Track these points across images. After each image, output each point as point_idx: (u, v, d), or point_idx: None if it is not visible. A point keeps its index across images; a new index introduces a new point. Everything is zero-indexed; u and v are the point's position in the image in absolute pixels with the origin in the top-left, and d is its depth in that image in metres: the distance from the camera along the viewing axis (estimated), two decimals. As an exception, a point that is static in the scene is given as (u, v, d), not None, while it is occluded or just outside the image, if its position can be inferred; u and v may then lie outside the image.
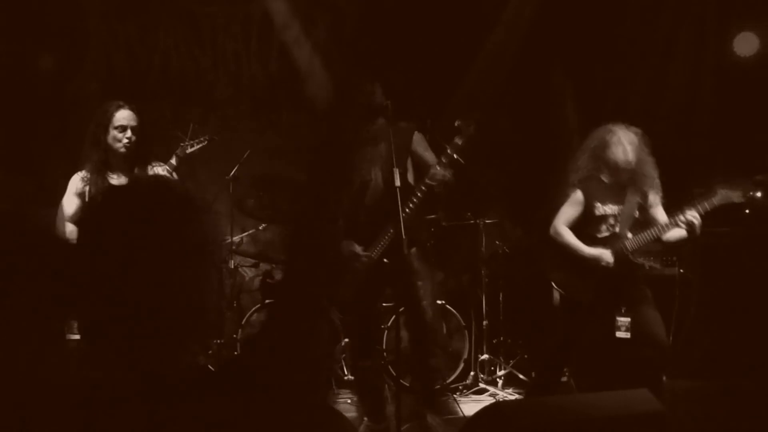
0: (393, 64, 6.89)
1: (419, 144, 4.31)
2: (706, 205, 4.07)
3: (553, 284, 4.41)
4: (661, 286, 4.65)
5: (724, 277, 5.13)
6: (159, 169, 4.16)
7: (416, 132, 4.32)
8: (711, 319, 5.03)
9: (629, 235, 4.23)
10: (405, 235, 3.77)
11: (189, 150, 4.08)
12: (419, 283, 4.20)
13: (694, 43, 6.50)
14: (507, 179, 6.56)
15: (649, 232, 4.20)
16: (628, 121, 4.40)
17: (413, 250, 4.14)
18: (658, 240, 4.22)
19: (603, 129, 4.34)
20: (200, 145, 4.09)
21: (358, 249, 4.17)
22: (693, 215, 4.04)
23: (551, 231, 4.41)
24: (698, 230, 4.05)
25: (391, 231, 4.02)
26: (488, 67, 6.95)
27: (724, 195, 4.07)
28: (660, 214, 4.31)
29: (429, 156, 4.26)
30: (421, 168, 4.24)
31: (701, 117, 6.44)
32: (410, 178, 4.28)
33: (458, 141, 4.06)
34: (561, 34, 6.60)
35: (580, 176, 4.37)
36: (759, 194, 5.37)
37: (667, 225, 4.16)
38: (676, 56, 6.55)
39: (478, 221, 6.01)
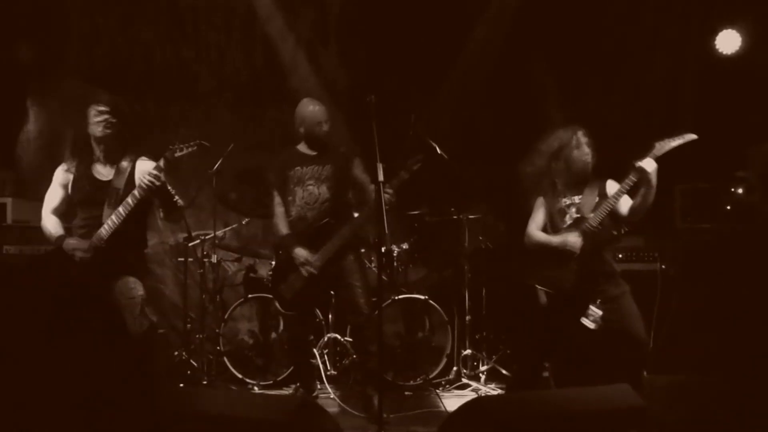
0: (377, 60, 6.90)
1: (357, 167, 4.95)
2: (651, 156, 4.09)
3: (537, 286, 4.43)
4: (643, 281, 4.69)
5: (705, 273, 5.16)
6: (148, 165, 4.12)
7: (356, 158, 4.97)
8: (692, 315, 5.06)
9: (591, 215, 4.29)
10: (387, 230, 4.04)
11: (177, 154, 4.05)
12: (356, 283, 4.82)
13: (677, 39, 6.53)
14: (490, 175, 6.56)
15: (606, 202, 4.25)
16: (610, 117, 4.45)
17: (350, 256, 4.85)
18: (615, 213, 4.25)
19: (565, 131, 4.46)
20: (189, 150, 4.06)
21: (310, 257, 4.79)
22: (638, 168, 4.08)
23: (525, 239, 4.50)
24: (652, 177, 4.04)
25: (334, 240, 4.77)
26: (472, 63, 6.95)
27: (661, 145, 4.13)
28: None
29: (365, 177, 4.95)
30: (358, 187, 4.96)
31: (683, 113, 6.47)
32: (350, 195, 5.00)
33: (404, 174, 4.73)
34: (544, 30, 6.61)
35: (534, 175, 4.50)
36: (740, 190, 5.43)
37: (619, 191, 4.21)
38: (659, 52, 6.58)
39: (461, 217, 6.02)
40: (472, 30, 6.90)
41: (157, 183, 3.97)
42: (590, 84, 6.50)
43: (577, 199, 4.39)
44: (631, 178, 4.12)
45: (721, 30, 6.26)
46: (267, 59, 7.18)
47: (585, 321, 4.16)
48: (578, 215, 4.35)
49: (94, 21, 7.09)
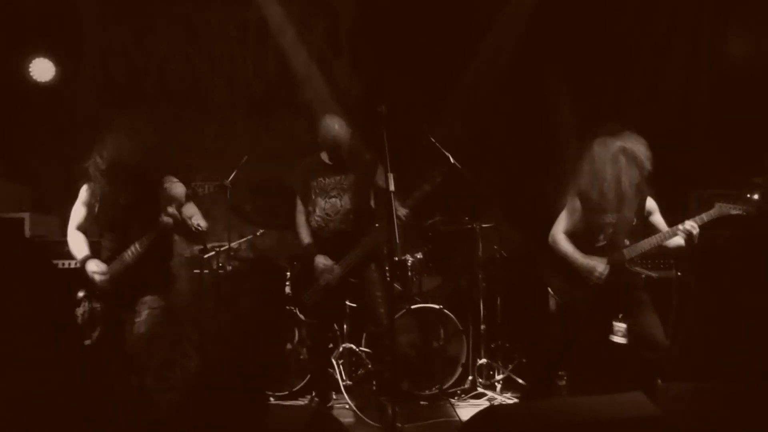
0: (389, 69, 6.92)
1: (380, 176, 4.90)
2: (704, 218, 4.16)
3: (550, 291, 4.40)
4: (659, 289, 4.65)
5: (721, 280, 5.13)
6: (172, 187, 4.18)
7: (380, 165, 4.89)
8: (708, 322, 5.02)
9: (627, 242, 4.23)
10: (399, 239, 3.97)
11: (200, 192, 4.16)
12: (377, 293, 4.88)
13: (689, 44, 6.51)
14: (504, 183, 6.55)
15: (648, 240, 4.21)
16: (624, 122, 4.39)
17: (372, 266, 4.90)
18: (657, 247, 4.24)
19: (600, 145, 4.29)
20: (212, 189, 4.17)
21: (331, 263, 4.85)
22: (692, 225, 4.13)
23: (549, 239, 4.43)
24: (696, 239, 4.13)
25: (356, 251, 4.83)
26: (483, 70, 6.96)
27: (721, 208, 4.18)
28: (659, 221, 4.33)
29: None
30: (379, 196, 4.95)
31: (697, 118, 6.44)
32: (372, 204, 5.04)
33: (426, 187, 4.78)
34: (556, 36, 6.61)
35: (578, 187, 4.37)
36: (756, 196, 5.38)
37: (667, 233, 4.19)
38: (672, 57, 6.56)
39: (475, 225, 6.00)
40: (482, 37, 6.90)
41: (176, 220, 4.11)
42: (603, 90, 6.49)
43: (614, 217, 4.26)
44: (677, 230, 4.16)
45: (733, 33, 6.25)
46: (280, 71, 7.22)
47: (615, 338, 4.15)
48: (614, 236, 4.27)
49: (108, 34, 7.16)
